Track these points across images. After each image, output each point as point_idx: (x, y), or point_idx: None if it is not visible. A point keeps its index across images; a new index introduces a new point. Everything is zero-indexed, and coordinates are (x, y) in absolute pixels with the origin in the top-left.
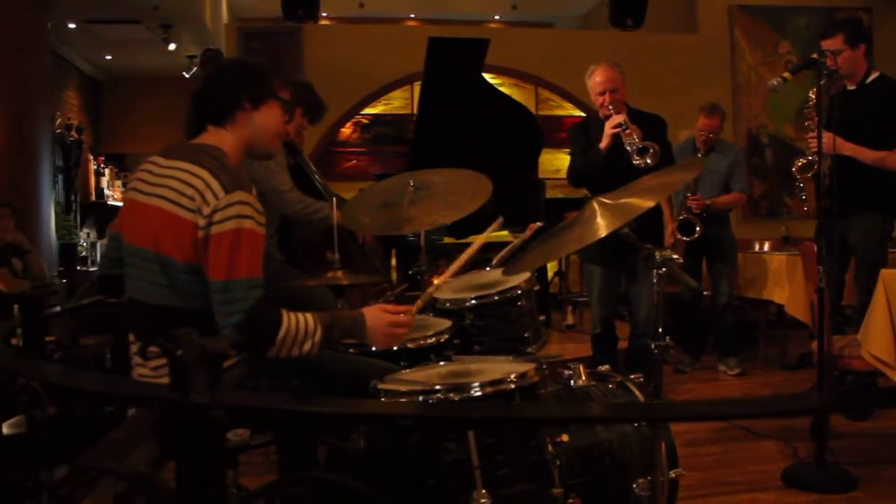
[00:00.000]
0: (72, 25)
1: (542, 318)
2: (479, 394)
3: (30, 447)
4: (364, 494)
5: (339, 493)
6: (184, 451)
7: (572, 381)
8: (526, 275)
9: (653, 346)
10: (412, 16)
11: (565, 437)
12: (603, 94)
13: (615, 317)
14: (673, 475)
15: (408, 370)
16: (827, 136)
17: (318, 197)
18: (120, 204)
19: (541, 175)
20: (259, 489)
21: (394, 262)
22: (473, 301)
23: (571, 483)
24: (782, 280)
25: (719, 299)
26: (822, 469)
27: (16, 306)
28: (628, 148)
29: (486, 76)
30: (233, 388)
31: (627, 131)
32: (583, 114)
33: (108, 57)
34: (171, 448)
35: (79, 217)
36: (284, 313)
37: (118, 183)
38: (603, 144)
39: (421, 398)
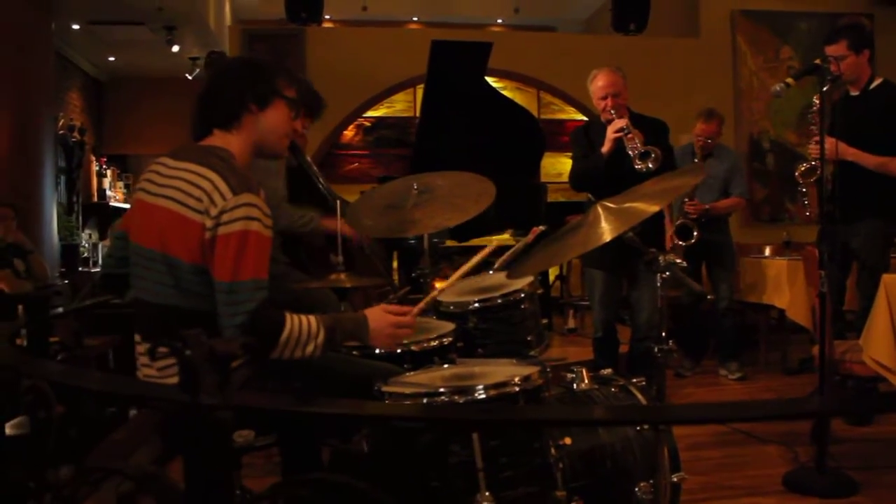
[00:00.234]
0: (75, 26)
1: (544, 321)
2: (483, 396)
3: (34, 448)
4: (369, 496)
5: (343, 495)
6: (192, 452)
7: (575, 385)
8: (529, 278)
9: (656, 349)
10: (415, 19)
11: (568, 440)
12: (605, 98)
13: (616, 321)
14: (675, 479)
15: (411, 373)
16: (829, 142)
17: (321, 200)
18: (122, 205)
19: (543, 179)
20: (264, 491)
21: (396, 264)
22: (477, 304)
23: (574, 486)
24: (783, 285)
25: (719, 303)
26: (823, 474)
27: (20, 307)
28: (630, 152)
29: (489, 79)
30: (238, 389)
31: (629, 136)
32: (585, 118)
33: (112, 58)
34: (176, 448)
35: (81, 218)
36: (287, 315)
37: (120, 184)
38: (605, 149)
39: (425, 400)
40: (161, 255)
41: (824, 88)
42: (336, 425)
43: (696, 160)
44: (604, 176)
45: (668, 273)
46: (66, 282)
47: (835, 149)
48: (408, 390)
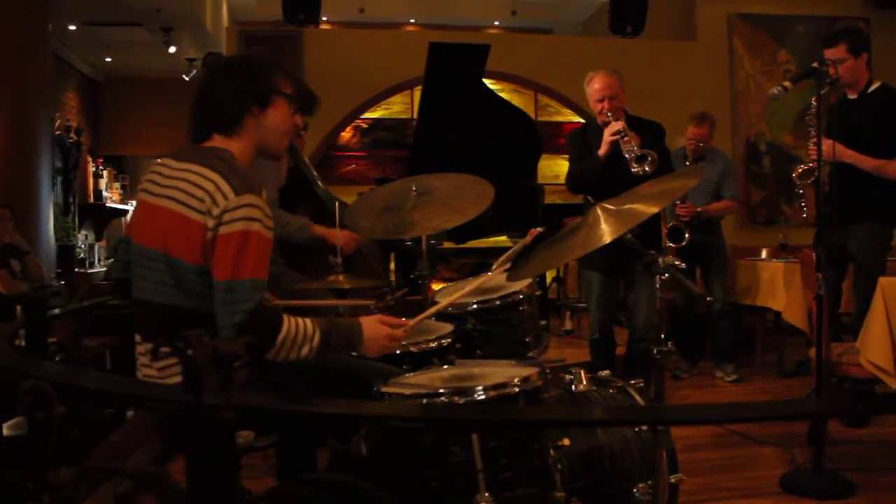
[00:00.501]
0: (72, 27)
1: (542, 323)
2: (482, 397)
3: (33, 448)
4: (371, 496)
5: (345, 496)
6: (195, 452)
7: (573, 386)
8: (528, 280)
9: (655, 351)
10: (412, 21)
11: (567, 442)
12: (601, 100)
13: (613, 323)
14: (673, 480)
15: (411, 374)
16: (827, 144)
17: (319, 202)
18: (118, 206)
19: (540, 180)
20: (266, 492)
21: (393, 265)
22: (475, 305)
23: (573, 487)
24: (780, 287)
25: (713, 305)
26: (820, 475)
27: (18, 307)
28: (627, 155)
29: (486, 81)
30: (238, 390)
31: (626, 138)
32: (582, 120)
33: (109, 59)
34: (175, 448)
35: (77, 219)
36: (285, 316)
37: (116, 185)
38: (601, 151)
39: (424, 401)
40: (163, 255)
41: (822, 92)
42: (335, 426)
43: (687, 163)
44: (600, 178)
45: (666, 275)
46: (63, 282)
47: (832, 151)
48: (407, 391)
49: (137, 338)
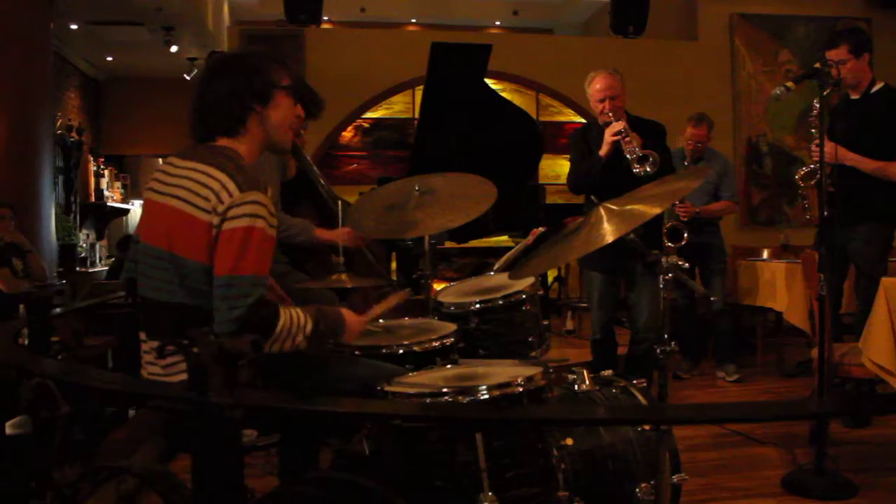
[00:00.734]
0: (74, 27)
1: (545, 322)
2: (486, 396)
3: (37, 447)
4: (375, 494)
5: (349, 495)
6: (201, 450)
7: (576, 386)
8: (530, 279)
9: (658, 350)
10: (413, 21)
11: (570, 441)
12: (603, 101)
13: (615, 323)
14: (675, 480)
15: (414, 373)
16: (829, 146)
17: (321, 202)
18: (119, 205)
19: (541, 180)
20: (272, 490)
21: (394, 265)
22: (478, 305)
23: (576, 486)
24: (781, 288)
25: (713, 306)
26: (822, 476)
27: (21, 306)
28: (628, 156)
29: (488, 81)
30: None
31: (627, 139)
32: (584, 120)
33: (110, 58)
34: (179, 446)
35: (78, 218)
36: (281, 308)
37: (117, 184)
38: (602, 152)
39: (428, 400)
40: (168, 253)
41: (824, 93)
42: (338, 425)
43: (686, 163)
44: (602, 179)
45: (670, 275)
46: (64, 282)
47: (834, 153)
48: (411, 390)
49: (143, 336)
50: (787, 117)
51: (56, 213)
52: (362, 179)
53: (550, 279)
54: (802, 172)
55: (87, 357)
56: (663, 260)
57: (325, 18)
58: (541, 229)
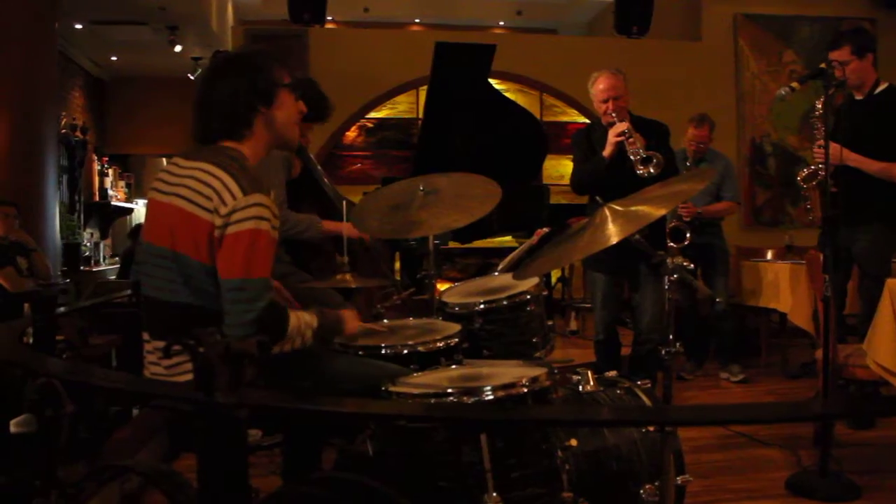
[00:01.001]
0: (79, 26)
1: (549, 323)
2: (490, 397)
3: (41, 445)
4: (380, 495)
5: (353, 495)
6: (206, 450)
7: (581, 387)
8: (535, 280)
9: (663, 352)
10: (417, 21)
11: (574, 442)
12: (606, 101)
13: (618, 323)
14: (680, 481)
15: (419, 373)
16: (833, 147)
17: (326, 201)
18: (123, 205)
19: (545, 181)
20: (276, 490)
21: (398, 265)
22: (482, 305)
23: (580, 487)
24: (785, 288)
25: (717, 307)
26: (826, 477)
27: (26, 305)
28: (631, 157)
29: (492, 81)
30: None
31: (631, 139)
32: (587, 120)
33: (114, 58)
34: (183, 446)
35: (82, 217)
36: (290, 312)
37: (121, 183)
38: (606, 152)
39: (433, 401)
40: (172, 252)
41: (829, 93)
42: (342, 425)
43: (689, 164)
44: (605, 179)
45: (675, 275)
46: (68, 280)
47: (838, 154)
48: (415, 391)
49: (145, 336)
50: (790, 118)
51: (60, 212)
52: (366, 179)
53: (554, 280)
54: (804, 173)
55: (92, 356)
56: (668, 261)
57: (329, 18)
58: (545, 230)
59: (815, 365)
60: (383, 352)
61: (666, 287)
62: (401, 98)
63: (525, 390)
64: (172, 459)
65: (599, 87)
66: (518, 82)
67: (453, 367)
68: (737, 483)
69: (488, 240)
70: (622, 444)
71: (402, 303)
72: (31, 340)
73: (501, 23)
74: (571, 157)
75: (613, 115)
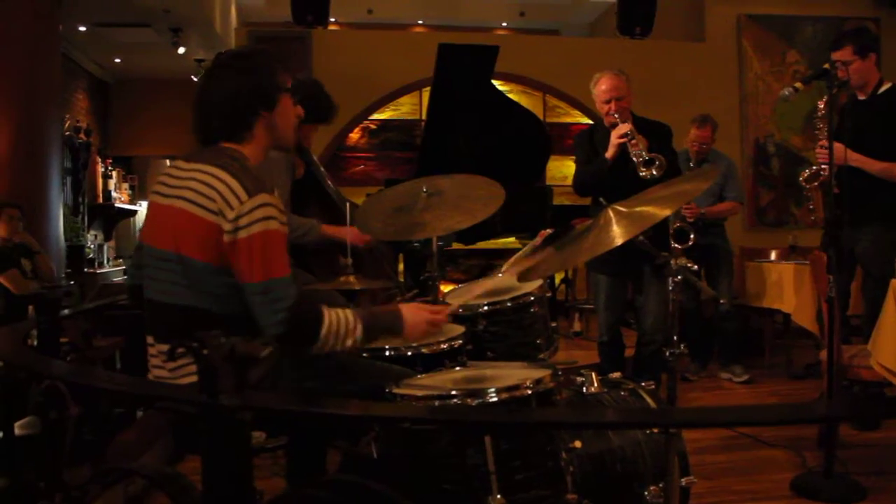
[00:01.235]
0: (82, 28)
1: (553, 324)
2: (495, 399)
3: (46, 448)
4: (386, 498)
5: (359, 498)
6: (211, 453)
7: (585, 389)
8: (539, 281)
9: (667, 353)
10: (420, 22)
11: (578, 444)
12: (608, 101)
13: (622, 324)
14: (684, 483)
15: (423, 375)
16: (836, 147)
17: (329, 203)
18: (127, 206)
19: (548, 182)
20: (279, 495)
21: (402, 267)
22: (486, 307)
23: (585, 489)
24: (789, 289)
25: (721, 308)
26: (831, 479)
27: (30, 307)
28: (634, 159)
29: (495, 83)
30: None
31: (633, 141)
32: (591, 121)
33: (118, 60)
34: (187, 448)
35: (86, 219)
36: (325, 310)
37: (125, 185)
38: (608, 154)
39: (437, 403)
40: (176, 255)
41: (833, 93)
42: (346, 428)
43: (692, 165)
44: (608, 181)
45: (679, 277)
46: (72, 283)
47: (842, 154)
48: (420, 393)
49: (150, 339)
50: (794, 118)
51: (64, 215)
52: (369, 181)
53: (558, 281)
54: (806, 174)
55: (96, 358)
56: (673, 262)
57: (332, 20)
58: (549, 231)
59: (820, 366)
60: (387, 353)
61: (670, 288)
62: (404, 99)
63: (529, 392)
64: (177, 462)
65: (602, 87)
66: (521, 83)
67: (457, 368)
68: (741, 484)
69: (492, 241)
70: (626, 445)
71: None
72: (35, 343)
73: (504, 24)
74: (574, 158)
75: (616, 116)
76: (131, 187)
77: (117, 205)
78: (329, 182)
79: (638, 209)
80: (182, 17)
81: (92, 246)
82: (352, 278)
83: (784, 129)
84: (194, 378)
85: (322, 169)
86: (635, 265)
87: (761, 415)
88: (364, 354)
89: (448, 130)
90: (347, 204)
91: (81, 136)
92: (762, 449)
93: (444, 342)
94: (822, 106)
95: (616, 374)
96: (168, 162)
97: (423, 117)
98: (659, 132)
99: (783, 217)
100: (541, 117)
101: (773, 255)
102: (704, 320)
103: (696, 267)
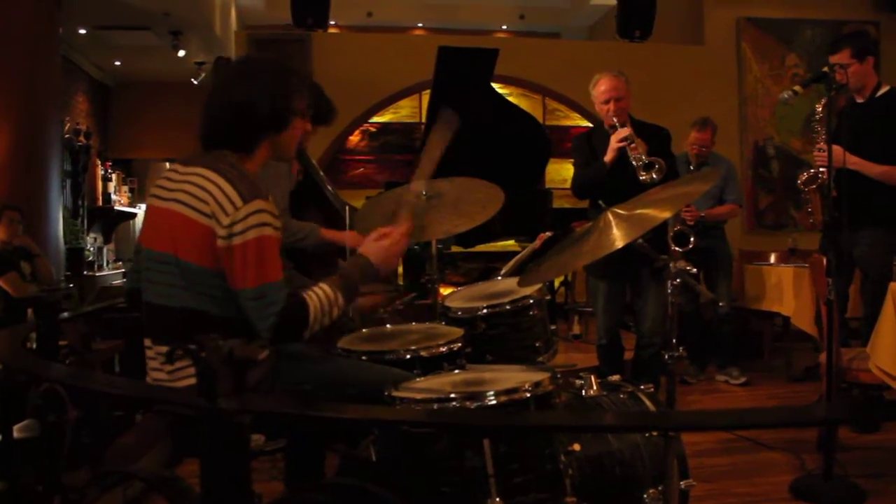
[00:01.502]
0: (82, 31)
1: (552, 327)
2: (493, 402)
3: (44, 451)
4: (383, 500)
5: (358, 501)
6: (209, 456)
7: (584, 391)
8: (538, 284)
9: (666, 356)
10: (420, 25)
11: (577, 447)
12: (607, 102)
13: (621, 327)
14: (683, 486)
15: (421, 378)
16: (835, 150)
17: (328, 206)
18: (127, 209)
19: (548, 185)
20: (278, 499)
21: (401, 269)
22: (485, 310)
23: (583, 492)
24: (788, 292)
25: (720, 310)
26: (830, 482)
27: (29, 310)
28: (634, 163)
29: (494, 85)
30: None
31: (633, 145)
32: (590, 124)
33: (118, 63)
34: (186, 451)
35: (86, 222)
36: (306, 296)
37: (125, 188)
38: (607, 158)
39: (436, 406)
40: (173, 258)
41: (831, 94)
42: (345, 431)
43: (692, 168)
44: (606, 184)
45: (678, 280)
46: (72, 286)
47: (840, 157)
48: (418, 396)
49: (148, 341)
50: (793, 121)
51: (64, 217)
52: (369, 184)
53: (557, 283)
54: (804, 177)
55: (95, 361)
56: (671, 265)
57: (332, 23)
58: (548, 234)
59: (819, 368)
60: (386, 357)
61: (668, 291)
62: (404, 102)
63: (528, 395)
64: (175, 465)
65: (601, 88)
66: (521, 86)
67: (456, 371)
68: (740, 487)
69: (491, 244)
70: (625, 448)
71: (404, 307)
72: (34, 346)
73: (504, 27)
74: (572, 161)
75: (615, 118)
76: (131, 190)
77: (117, 207)
78: (329, 186)
79: (637, 212)
80: (182, 20)
81: (91, 249)
82: None
83: (783, 132)
84: (193, 380)
85: (322, 173)
86: (634, 268)
87: (761, 418)
88: (363, 357)
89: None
90: (347, 207)
91: (81, 138)
92: (761, 452)
93: (443, 345)
94: (820, 109)
95: (615, 377)
96: (168, 165)
97: (423, 120)
98: (658, 136)
99: (782, 220)
100: (540, 120)
101: (772, 258)
102: (703, 323)
103: (694, 270)
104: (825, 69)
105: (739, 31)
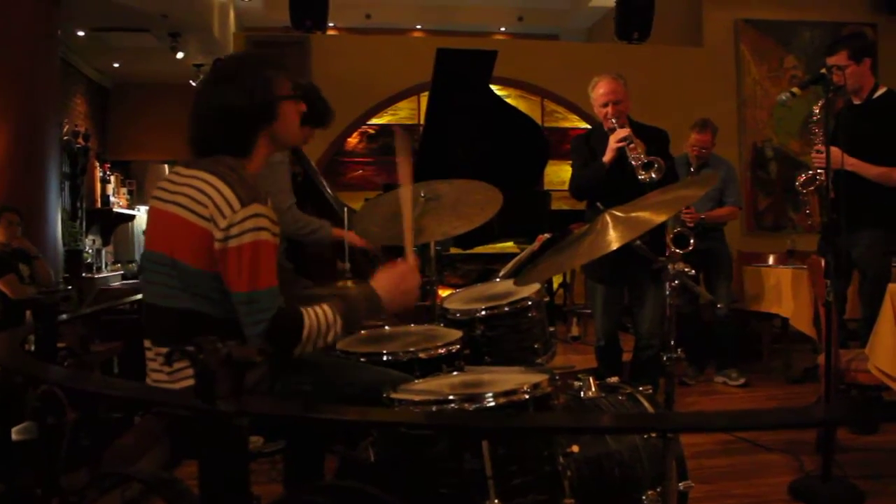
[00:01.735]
0: (81, 33)
1: (551, 329)
2: (492, 404)
3: (43, 453)
4: (382, 502)
5: (354, 503)
6: (208, 458)
7: (582, 393)
8: (536, 286)
9: (665, 358)
10: (418, 27)
11: (576, 448)
12: (606, 105)
13: (619, 329)
14: (682, 487)
15: (420, 380)
16: (833, 151)
17: (327, 207)
18: (125, 211)
19: (546, 186)
20: (276, 500)
21: None
22: (484, 312)
23: (582, 494)
24: (787, 293)
25: (719, 312)
26: (829, 483)
27: (28, 312)
28: (633, 162)
29: (493, 87)
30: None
31: (632, 146)
32: (588, 126)
33: (116, 65)
34: (184, 453)
35: (84, 224)
36: (304, 311)
37: (124, 190)
38: (606, 158)
39: (434, 408)
40: (171, 259)
41: (829, 96)
42: (344, 432)
43: (692, 170)
44: (604, 185)
45: (676, 281)
46: (70, 287)
47: (838, 158)
48: (417, 397)
49: (147, 343)
50: (792, 122)
51: (62, 219)
52: (368, 186)
53: (556, 285)
54: (802, 178)
55: (94, 363)
56: (670, 267)
57: (331, 25)
58: (546, 235)
59: (818, 370)
60: (384, 358)
61: (667, 293)
62: (402, 104)
63: (526, 397)
64: (174, 467)
65: (600, 91)
66: (519, 88)
67: (454, 373)
68: (739, 488)
69: (490, 246)
70: (624, 449)
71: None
72: (32, 348)
73: (503, 29)
74: (571, 162)
75: (614, 120)
76: (129, 192)
77: (115, 209)
78: (327, 188)
79: (635, 214)
80: (180, 22)
81: (90, 251)
82: (349, 283)
83: (782, 134)
84: (192, 381)
85: (320, 175)
86: (632, 270)
87: (759, 419)
88: (362, 359)
89: (446, 135)
90: (346, 209)
91: (80, 140)
92: (760, 453)
93: (441, 347)
94: (817, 111)
95: (614, 379)
96: (167, 167)
97: (422, 122)
98: (656, 137)
99: (781, 221)
100: (539, 122)
101: (770, 260)
102: (702, 324)
103: (693, 271)
104: (822, 71)
105: (738, 33)
